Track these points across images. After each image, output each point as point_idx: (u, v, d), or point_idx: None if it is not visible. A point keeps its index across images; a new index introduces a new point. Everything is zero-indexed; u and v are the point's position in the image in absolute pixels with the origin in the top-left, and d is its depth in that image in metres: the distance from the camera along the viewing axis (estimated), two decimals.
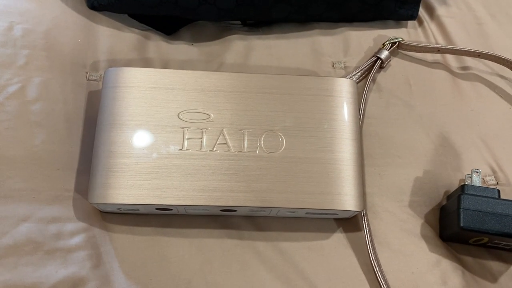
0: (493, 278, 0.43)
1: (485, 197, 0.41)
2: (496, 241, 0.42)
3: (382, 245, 0.43)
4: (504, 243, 0.42)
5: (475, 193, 0.42)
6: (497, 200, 0.41)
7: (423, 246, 0.44)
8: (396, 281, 0.42)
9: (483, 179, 0.47)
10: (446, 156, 0.47)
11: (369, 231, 0.42)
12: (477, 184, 0.43)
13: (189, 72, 0.44)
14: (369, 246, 0.42)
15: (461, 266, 0.43)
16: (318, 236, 0.44)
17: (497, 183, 0.46)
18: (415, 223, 0.45)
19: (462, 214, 0.40)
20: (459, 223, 0.40)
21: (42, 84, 0.46)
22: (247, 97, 0.43)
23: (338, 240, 0.43)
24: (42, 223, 0.41)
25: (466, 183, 0.43)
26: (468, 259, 0.43)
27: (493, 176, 0.47)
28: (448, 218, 0.43)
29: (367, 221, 0.43)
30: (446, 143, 0.48)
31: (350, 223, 0.44)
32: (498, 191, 0.43)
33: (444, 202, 0.45)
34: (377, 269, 0.41)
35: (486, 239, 0.42)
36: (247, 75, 0.44)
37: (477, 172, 0.44)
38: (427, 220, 0.45)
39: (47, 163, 0.43)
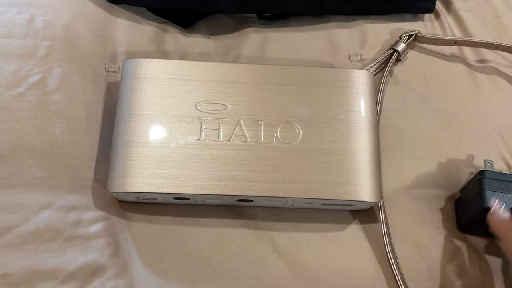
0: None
1: (506, 181, 0.41)
2: None
3: (398, 237, 0.43)
4: None
5: (495, 177, 0.41)
6: None
7: (439, 238, 0.44)
8: (412, 272, 0.42)
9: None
10: (462, 149, 0.47)
11: (386, 222, 0.42)
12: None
13: (207, 63, 0.44)
14: (385, 237, 0.42)
15: (478, 258, 0.43)
16: (334, 227, 0.44)
17: None
18: (431, 215, 0.45)
19: (486, 195, 0.40)
20: (483, 204, 0.40)
21: (62, 75, 0.47)
22: (264, 88, 0.43)
23: (354, 231, 0.44)
24: (62, 211, 0.42)
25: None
26: (485, 251, 0.43)
27: (507, 171, 0.46)
28: (466, 207, 0.43)
29: (384, 212, 0.43)
30: (463, 136, 0.48)
31: (366, 215, 0.44)
32: None
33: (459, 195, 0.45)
34: (392, 261, 0.41)
35: None
36: (264, 67, 0.44)
37: (489, 163, 0.43)
38: (443, 212, 0.45)
39: (67, 152, 0.44)
